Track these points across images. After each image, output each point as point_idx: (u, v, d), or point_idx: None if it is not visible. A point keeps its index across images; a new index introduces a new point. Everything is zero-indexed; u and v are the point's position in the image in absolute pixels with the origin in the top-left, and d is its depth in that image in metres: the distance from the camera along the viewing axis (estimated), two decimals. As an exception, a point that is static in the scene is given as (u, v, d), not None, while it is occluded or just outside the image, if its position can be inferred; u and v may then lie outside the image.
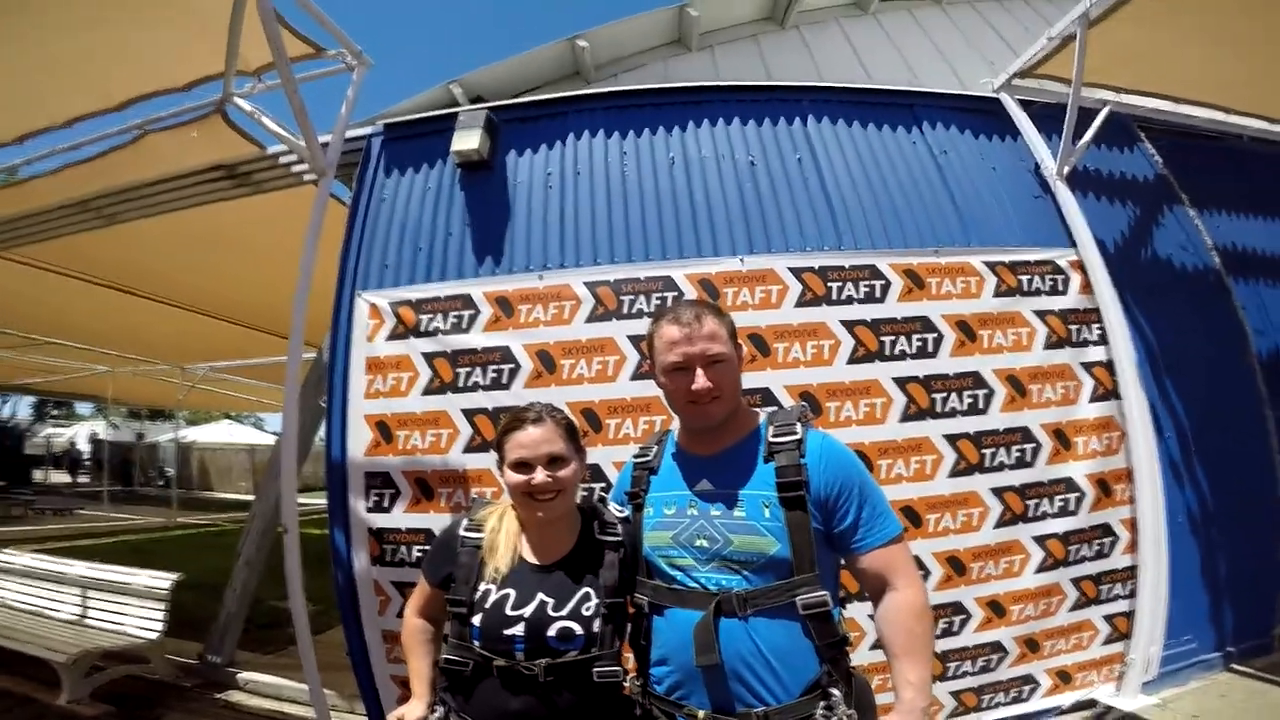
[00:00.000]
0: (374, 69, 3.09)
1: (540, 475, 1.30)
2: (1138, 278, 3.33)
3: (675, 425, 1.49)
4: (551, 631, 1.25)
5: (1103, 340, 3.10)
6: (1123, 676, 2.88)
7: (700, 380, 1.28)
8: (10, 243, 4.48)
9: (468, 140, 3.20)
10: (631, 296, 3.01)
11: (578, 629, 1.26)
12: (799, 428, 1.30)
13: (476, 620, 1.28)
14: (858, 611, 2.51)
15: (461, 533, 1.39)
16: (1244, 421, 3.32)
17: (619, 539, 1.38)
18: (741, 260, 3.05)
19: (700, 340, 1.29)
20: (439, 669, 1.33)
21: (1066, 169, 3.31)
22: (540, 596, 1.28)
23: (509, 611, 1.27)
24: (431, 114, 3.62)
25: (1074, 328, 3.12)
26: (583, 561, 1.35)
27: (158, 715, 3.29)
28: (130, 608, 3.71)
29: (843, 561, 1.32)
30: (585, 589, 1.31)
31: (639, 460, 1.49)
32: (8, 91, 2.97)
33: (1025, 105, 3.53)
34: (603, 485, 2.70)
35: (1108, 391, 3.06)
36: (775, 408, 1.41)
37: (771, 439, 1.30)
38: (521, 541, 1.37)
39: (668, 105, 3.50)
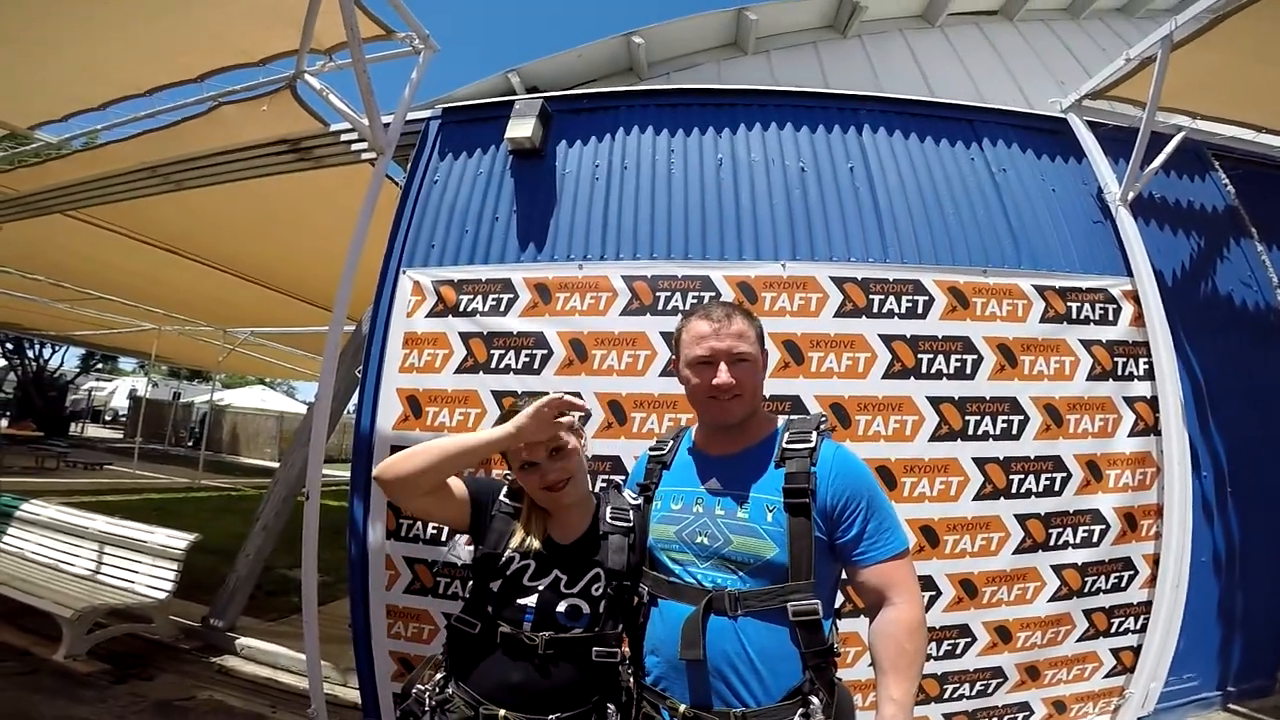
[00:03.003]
0: (435, 54, 3.15)
1: (551, 473, 1.36)
2: (1193, 312, 3.23)
3: (694, 425, 1.51)
4: (561, 607, 1.30)
5: (1149, 375, 3.01)
6: (1118, 710, 2.83)
7: (723, 375, 1.30)
8: (82, 203, 4.72)
9: (522, 128, 3.25)
10: (668, 293, 3.02)
11: (585, 607, 1.31)
12: (814, 436, 1.31)
13: (495, 585, 1.33)
14: (861, 626, 2.47)
15: (501, 498, 1.44)
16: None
17: (629, 525, 1.41)
18: (783, 266, 3.04)
19: (728, 337, 1.32)
20: (446, 628, 1.37)
21: (1131, 195, 3.21)
22: (555, 572, 1.33)
23: (525, 582, 1.32)
24: (489, 100, 3.69)
25: (1120, 360, 3.03)
26: (595, 543, 1.39)
27: (150, 676, 3.32)
28: (143, 566, 3.74)
29: (844, 574, 1.32)
30: (596, 569, 1.35)
31: (654, 454, 1.53)
32: (96, 62, 3.12)
33: (1093, 127, 3.44)
34: (622, 477, 2.72)
35: (1148, 427, 2.97)
36: (796, 415, 1.43)
37: (785, 445, 1.31)
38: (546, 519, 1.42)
39: (720, 106, 3.50)
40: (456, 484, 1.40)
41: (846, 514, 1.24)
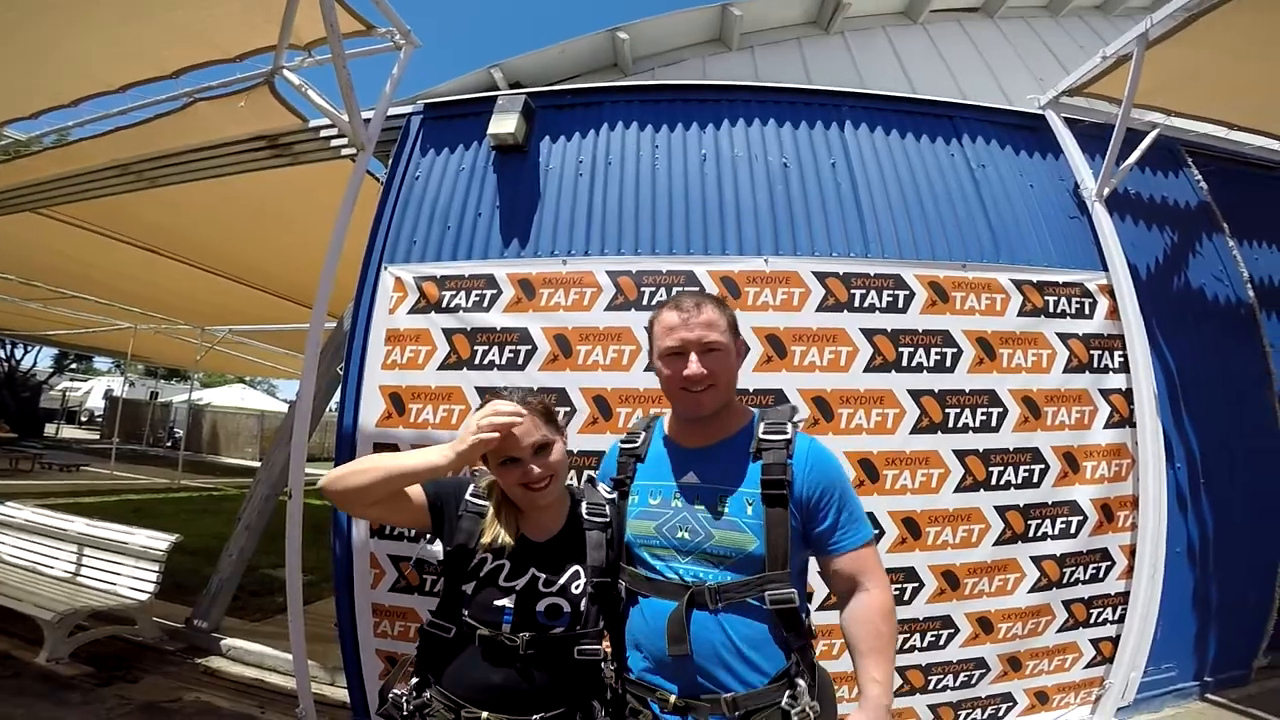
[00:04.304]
0: (417, 50, 3.11)
1: (534, 470, 1.31)
2: (1167, 306, 3.31)
3: (665, 414, 1.50)
4: (540, 606, 1.27)
5: (1124, 368, 3.08)
6: (1099, 700, 2.89)
7: (694, 366, 1.29)
8: (53, 201, 4.61)
9: (505, 124, 3.23)
10: (652, 288, 3.02)
11: (565, 606, 1.29)
12: (789, 428, 1.32)
13: (468, 588, 1.30)
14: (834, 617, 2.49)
15: (468, 496, 1.40)
16: (1257, 458, 3.28)
17: (606, 520, 1.39)
18: (766, 260, 3.06)
19: (697, 327, 1.31)
20: (420, 632, 1.34)
21: (1107, 191, 3.28)
22: (532, 571, 1.30)
23: (501, 583, 1.29)
24: (471, 96, 3.65)
25: (1096, 353, 3.09)
26: (573, 540, 1.37)
27: (135, 678, 3.27)
28: (124, 567, 3.68)
29: (815, 565, 1.34)
30: (575, 567, 1.33)
31: (626, 446, 1.50)
32: (67, 58, 3.04)
33: (1070, 124, 3.50)
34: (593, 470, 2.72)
35: (1123, 419, 3.04)
36: (768, 407, 1.44)
37: (762, 436, 1.32)
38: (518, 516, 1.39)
39: (704, 102, 3.50)
40: (414, 488, 1.35)
41: (822, 505, 1.27)
